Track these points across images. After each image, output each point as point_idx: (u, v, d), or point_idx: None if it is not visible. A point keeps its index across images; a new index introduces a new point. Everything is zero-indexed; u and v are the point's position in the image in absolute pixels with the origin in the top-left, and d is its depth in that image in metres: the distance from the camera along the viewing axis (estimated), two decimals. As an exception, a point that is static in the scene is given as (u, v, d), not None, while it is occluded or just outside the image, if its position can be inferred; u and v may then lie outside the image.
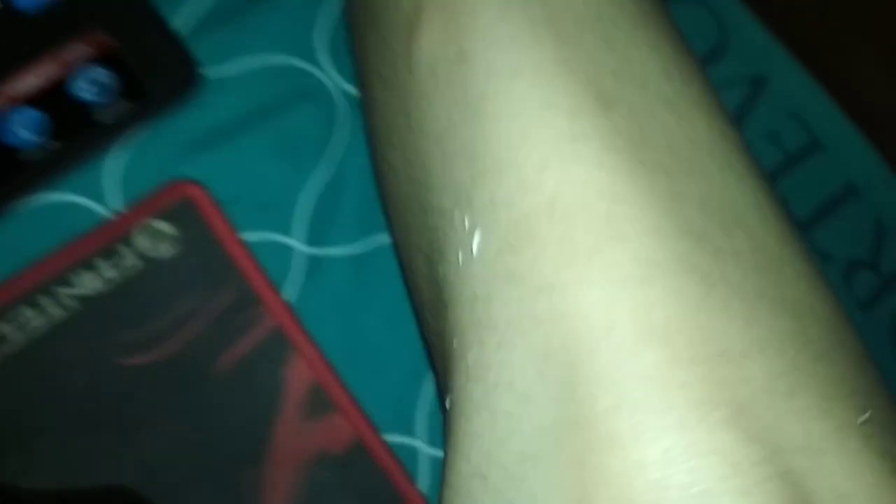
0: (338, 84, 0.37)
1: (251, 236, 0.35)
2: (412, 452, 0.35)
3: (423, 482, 0.35)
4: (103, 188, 0.34)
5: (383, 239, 0.35)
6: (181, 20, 0.36)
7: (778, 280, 0.21)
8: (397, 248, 0.29)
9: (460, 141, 0.22)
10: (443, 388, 0.23)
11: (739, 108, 0.40)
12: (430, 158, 0.23)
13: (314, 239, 0.35)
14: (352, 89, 0.37)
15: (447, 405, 0.22)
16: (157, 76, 0.34)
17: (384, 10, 0.26)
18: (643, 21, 0.23)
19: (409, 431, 0.35)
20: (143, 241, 0.33)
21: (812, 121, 0.41)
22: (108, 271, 0.33)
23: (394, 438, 0.35)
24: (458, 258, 0.22)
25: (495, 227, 0.21)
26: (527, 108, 0.21)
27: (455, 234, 0.22)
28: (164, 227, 0.34)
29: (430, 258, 0.24)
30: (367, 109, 0.29)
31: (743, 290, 0.20)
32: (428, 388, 0.36)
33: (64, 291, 0.32)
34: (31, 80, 0.33)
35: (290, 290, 0.34)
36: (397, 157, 0.26)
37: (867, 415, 0.19)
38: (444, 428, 0.22)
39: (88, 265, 0.33)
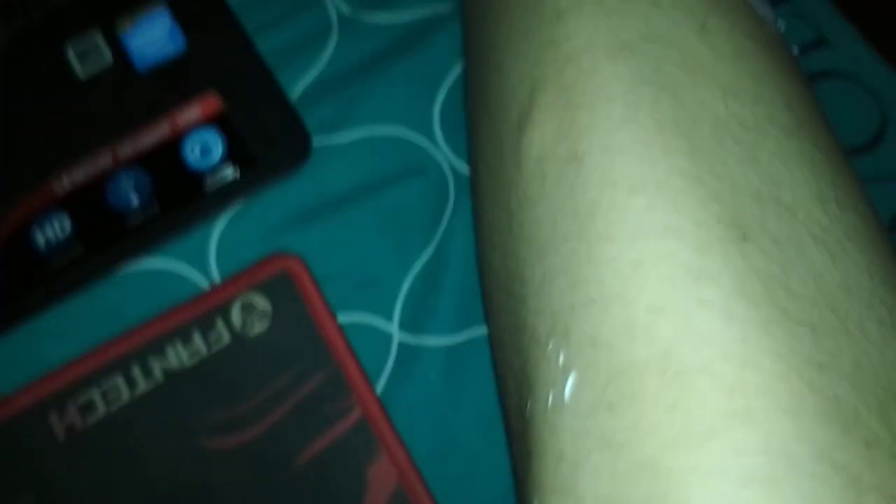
0: (451, 162, 0.35)
1: (348, 316, 0.33)
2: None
3: None
4: (204, 256, 0.33)
5: (482, 331, 0.33)
6: (296, 86, 0.35)
7: None
8: (492, 353, 0.26)
9: (564, 258, 0.19)
10: None
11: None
12: (530, 271, 0.20)
13: (411, 325, 0.33)
14: (464, 168, 0.35)
15: None
16: (267, 144, 0.33)
17: (498, 96, 0.23)
18: (797, 130, 0.20)
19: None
20: (236, 316, 0.32)
21: None
22: (200, 344, 0.32)
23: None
24: (547, 399, 0.19)
25: (594, 374, 0.18)
26: (645, 231, 0.18)
27: (548, 368, 0.19)
28: (259, 301, 0.32)
29: (520, 385, 0.20)
30: (473, 199, 0.27)
31: None
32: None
33: (156, 362, 0.32)
34: (141, 141, 0.33)
35: (382, 379, 0.32)
36: (497, 260, 0.23)
37: None
38: None
39: (184, 336, 0.32)
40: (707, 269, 0.17)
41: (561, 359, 0.18)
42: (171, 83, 0.33)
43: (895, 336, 0.18)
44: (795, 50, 0.37)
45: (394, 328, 0.33)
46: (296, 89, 0.35)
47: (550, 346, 0.19)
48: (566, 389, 0.18)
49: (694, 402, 0.16)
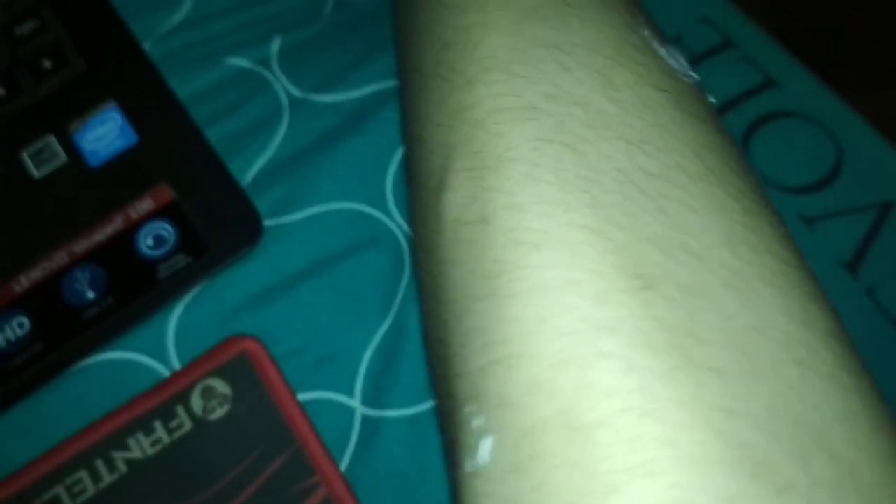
0: (406, 231, 0.35)
1: (309, 394, 0.33)
2: None
3: None
4: (162, 345, 0.33)
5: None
6: (250, 169, 0.36)
7: None
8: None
9: (478, 318, 0.19)
10: None
11: (863, 240, 0.35)
12: (451, 335, 0.20)
13: (373, 399, 0.33)
14: (419, 234, 0.35)
15: None
16: (218, 229, 0.34)
17: (420, 164, 0.23)
18: (707, 177, 0.19)
19: None
20: (197, 402, 0.32)
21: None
22: (162, 433, 0.32)
23: None
24: (465, 467, 0.18)
25: (504, 436, 0.17)
26: (546, 287, 0.18)
27: (466, 434, 0.18)
28: (219, 385, 0.32)
29: (451, 454, 0.20)
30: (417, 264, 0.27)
31: None
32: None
33: (119, 454, 0.31)
34: (96, 236, 0.33)
35: (346, 455, 0.32)
36: (429, 327, 0.23)
37: None
38: None
39: (145, 426, 0.32)
40: (607, 320, 0.17)
41: (475, 423, 0.18)
42: (124, 177, 0.34)
43: (817, 377, 0.17)
44: (712, 98, 0.37)
45: (356, 403, 0.33)
46: (250, 172, 0.36)
47: (467, 410, 0.19)
48: (481, 454, 0.18)
49: (594, 457, 0.16)
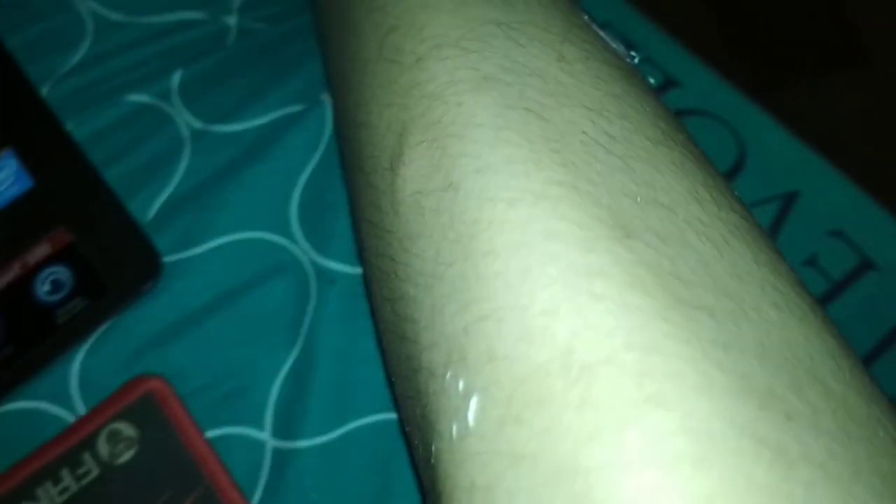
0: (311, 257, 0.35)
1: (218, 430, 0.32)
2: None
3: None
4: (66, 391, 0.33)
5: (356, 424, 0.32)
6: (151, 206, 0.35)
7: (871, 452, 0.16)
8: (399, 417, 0.25)
9: (451, 283, 0.19)
10: None
11: (769, 230, 0.35)
12: (419, 309, 0.20)
13: (283, 431, 0.32)
14: (325, 262, 0.34)
15: None
16: (116, 270, 0.33)
17: (369, 149, 0.23)
18: (667, 141, 0.20)
19: None
20: (103, 446, 0.31)
21: (859, 238, 0.35)
22: (69, 481, 0.31)
23: None
24: (451, 433, 0.18)
25: (496, 390, 0.17)
26: (528, 240, 0.18)
27: (449, 401, 0.18)
28: (125, 428, 0.32)
29: (424, 433, 0.19)
30: (362, 264, 0.27)
31: (832, 471, 0.15)
32: None
33: (26, 506, 0.31)
34: (-8, 285, 0.33)
35: (258, 490, 0.32)
36: (388, 313, 0.22)
37: None
38: None
39: (52, 475, 0.31)
40: (596, 265, 0.17)
41: (461, 386, 0.18)
42: (20, 224, 0.34)
43: (792, 318, 0.17)
44: (651, 81, 0.37)
45: (266, 436, 0.32)
46: (151, 209, 0.35)
47: (448, 376, 0.18)
48: (469, 416, 0.17)
49: (603, 394, 0.16)
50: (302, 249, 0.35)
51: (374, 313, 0.25)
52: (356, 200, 0.25)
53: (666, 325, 0.16)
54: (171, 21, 0.41)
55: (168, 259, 0.34)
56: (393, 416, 0.32)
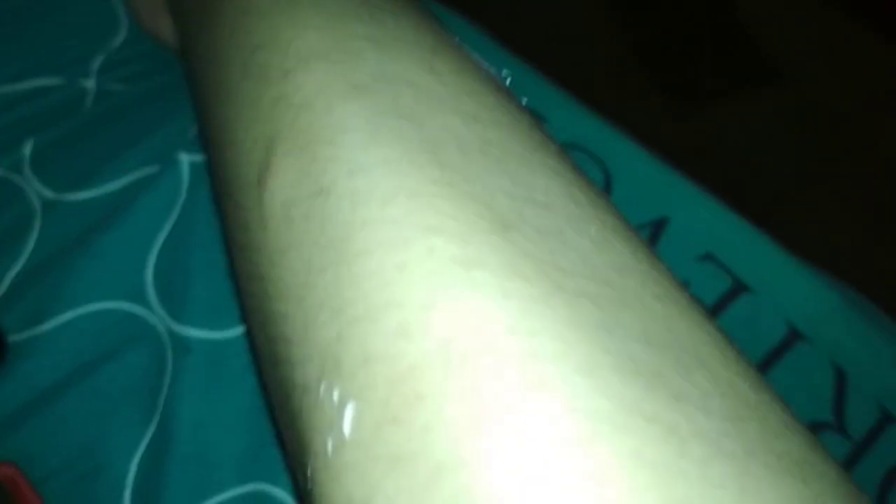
0: (168, 325, 0.33)
1: (74, 517, 0.30)
2: None
3: None
4: None
5: (218, 498, 0.31)
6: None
7: (764, 433, 0.15)
8: (283, 454, 0.23)
9: (323, 290, 0.18)
10: None
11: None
12: (291, 324, 0.19)
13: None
14: (182, 329, 0.33)
15: None
16: (-44, 354, 0.31)
17: (236, 168, 0.22)
18: (538, 147, 0.20)
19: None
20: (-54, 546, 0.29)
21: (731, 260, 0.34)
22: None
23: None
24: (326, 447, 0.16)
25: (372, 393, 0.16)
26: (404, 236, 0.17)
27: (323, 414, 0.17)
28: (-29, 523, 0.30)
29: (300, 457, 0.18)
30: (239, 295, 0.25)
31: (726, 448, 0.14)
32: None
33: None
34: None
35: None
36: (262, 341, 0.21)
37: None
38: None
39: None
40: (474, 257, 0.16)
41: (335, 396, 0.17)
42: None
43: (675, 309, 0.17)
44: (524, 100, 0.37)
45: (124, 516, 0.30)
46: (1, 287, 0.34)
47: (323, 388, 0.17)
48: (345, 426, 0.16)
49: (485, 382, 0.15)
50: (158, 317, 0.33)
51: (252, 350, 0.24)
52: (227, 229, 0.24)
53: (548, 310, 0.16)
54: (26, 89, 0.39)
55: (16, 338, 0.32)
56: (258, 486, 0.31)
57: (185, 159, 0.37)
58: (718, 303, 0.34)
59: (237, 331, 0.33)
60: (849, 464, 0.32)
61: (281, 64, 0.21)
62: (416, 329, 0.16)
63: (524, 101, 0.38)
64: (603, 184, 0.36)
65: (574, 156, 0.37)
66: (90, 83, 0.40)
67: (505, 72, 0.23)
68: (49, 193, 0.36)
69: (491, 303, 0.16)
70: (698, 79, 1.08)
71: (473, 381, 0.15)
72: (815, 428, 0.32)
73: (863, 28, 1.10)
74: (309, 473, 0.17)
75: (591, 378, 0.15)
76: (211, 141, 0.25)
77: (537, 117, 0.37)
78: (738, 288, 0.34)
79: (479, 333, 0.15)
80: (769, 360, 0.33)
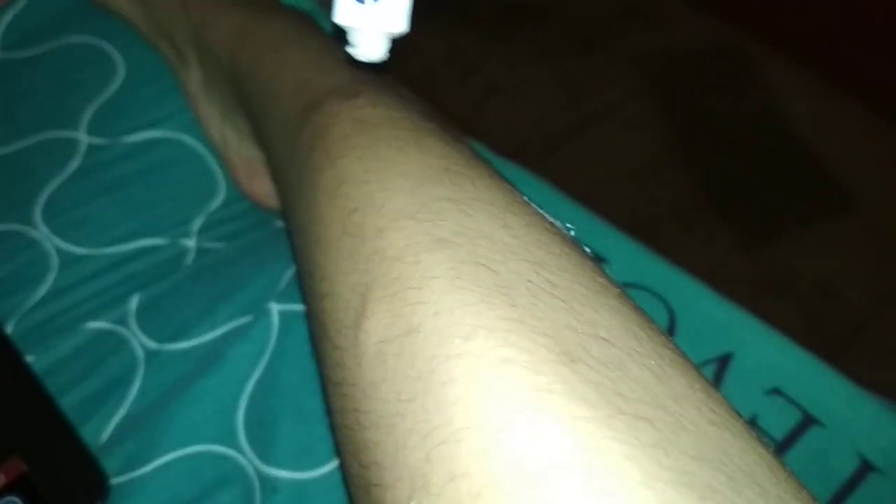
0: (256, 466, 0.35)
1: None
2: None
3: None
4: None
5: None
6: (106, 428, 0.36)
7: None
8: None
9: (413, 417, 0.20)
10: None
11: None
12: (383, 451, 0.21)
13: None
14: (269, 470, 0.35)
15: None
16: (65, 497, 0.34)
17: (333, 314, 0.25)
18: (600, 289, 0.22)
19: None
20: None
21: (799, 394, 0.35)
22: None
23: None
24: None
25: None
26: (483, 366, 0.19)
27: None
28: None
29: None
30: (333, 429, 0.28)
31: None
32: None
33: None
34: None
35: None
36: (355, 468, 0.23)
37: None
38: None
39: None
40: (544, 384, 0.19)
41: None
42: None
43: (728, 434, 0.19)
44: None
45: None
46: (105, 432, 0.37)
47: None
48: None
49: (553, 494, 0.17)
50: (248, 459, 0.35)
51: (344, 481, 0.26)
52: (323, 368, 0.27)
53: (609, 430, 0.18)
54: (133, 249, 0.44)
55: (117, 480, 0.35)
56: None
57: (276, 309, 0.40)
58: (788, 436, 0.34)
59: (321, 471, 0.35)
60: None
61: (375, 223, 0.24)
62: (494, 449, 0.18)
63: (587, 249, 0.40)
64: (667, 321, 0.37)
65: (637, 295, 0.38)
66: (191, 242, 0.44)
67: (569, 225, 0.26)
68: (152, 344, 0.39)
69: (559, 425, 0.18)
70: (769, 211, 1.08)
71: (544, 492, 0.17)
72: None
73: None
74: None
75: (649, 489, 0.16)
76: (310, 290, 0.28)
77: (600, 260, 0.40)
78: (808, 421, 0.35)
79: (548, 452, 0.17)
80: (843, 492, 0.33)
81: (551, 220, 0.25)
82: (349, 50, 0.28)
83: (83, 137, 0.46)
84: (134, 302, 0.41)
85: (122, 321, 0.40)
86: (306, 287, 0.29)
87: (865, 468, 0.34)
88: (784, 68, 1.19)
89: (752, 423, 0.34)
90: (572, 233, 0.25)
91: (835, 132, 1.14)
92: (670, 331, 0.37)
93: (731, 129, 1.16)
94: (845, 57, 1.15)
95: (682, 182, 1.10)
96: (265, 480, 0.35)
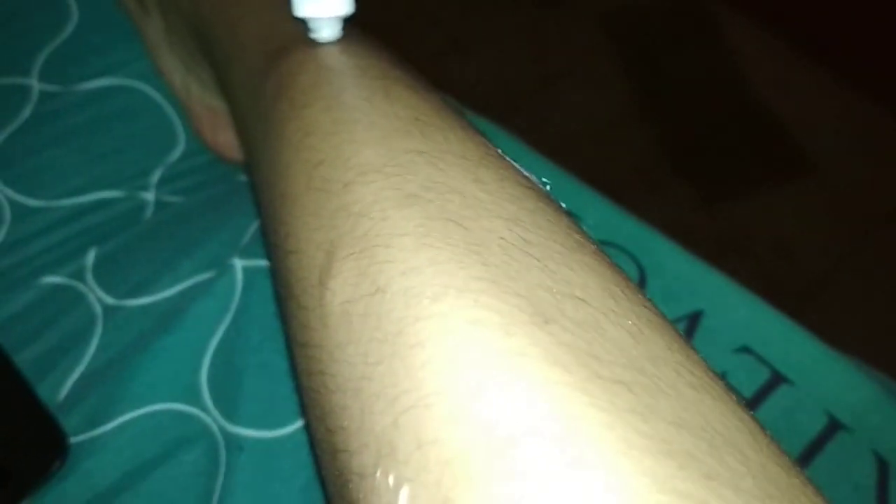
0: (221, 424, 0.34)
1: None
2: None
3: None
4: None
5: None
6: (63, 386, 0.35)
7: None
8: None
9: (379, 381, 0.19)
10: None
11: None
12: (349, 416, 0.20)
13: None
14: (235, 429, 0.34)
15: None
16: (22, 456, 0.33)
17: (299, 272, 0.24)
18: (576, 246, 0.21)
19: None
20: None
21: (768, 352, 0.35)
22: None
23: None
24: None
25: (425, 477, 0.17)
26: (453, 328, 0.18)
27: (379, 499, 0.18)
28: None
29: None
30: (299, 391, 0.26)
31: None
32: None
33: None
34: None
35: None
36: (321, 433, 0.22)
37: None
38: None
39: None
40: (517, 347, 0.18)
41: (391, 480, 0.18)
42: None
43: (709, 398, 0.18)
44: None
45: None
46: (63, 389, 0.35)
47: (378, 474, 0.18)
48: None
49: (528, 463, 0.16)
50: (212, 417, 0.35)
51: (311, 444, 0.25)
52: (288, 328, 0.26)
53: (585, 396, 0.17)
54: (89, 201, 0.42)
55: (77, 439, 0.34)
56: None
57: (239, 264, 0.39)
58: (757, 394, 0.35)
59: (287, 430, 0.35)
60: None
61: (341, 177, 0.23)
62: (464, 415, 0.17)
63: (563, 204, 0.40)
64: (637, 279, 0.37)
65: (609, 253, 0.38)
66: (149, 195, 0.43)
67: (545, 179, 0.25)
68: (110, 299, 0.38)
69: (532, 390, 0.17)
70: (727, 172, 1.09)
71: (517, 462, 0.16)
72: (861, 520, 0.32)
73: (894, 117, 1.11)
74: None
75: (626, 458, 0.16)
76: (275, 247, 0.27)
77: (574, 217, 0.39)
78: (777, 379, 0.35)
79: (521, 418, 0.17)
80: (811, 450, 0.34)
81: (526, 174, 0.25)
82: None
83: (35, 84, 0.44)
84: (91, 256, 0.40)
85: (78, 276, 0.39)
86: (271, 244, 0.28)
87: (834, 426, 0.34)
88: (746, 30, 1.19)
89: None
90: (548, 187, 0.25)
91: (794, 94, 1.15)
92: (641, 288, 0.37)
93: (693, 89, 1.16)
94: (807, 19, 1.15)
95: (642, 141, 1.11)
96: (231, 439, 0.34)
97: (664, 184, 1.07)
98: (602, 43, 1.18)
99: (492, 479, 0.16)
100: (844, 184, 1.07)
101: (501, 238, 0.20)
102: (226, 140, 0.43)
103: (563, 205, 0.38)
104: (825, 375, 0.35)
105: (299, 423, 0.35)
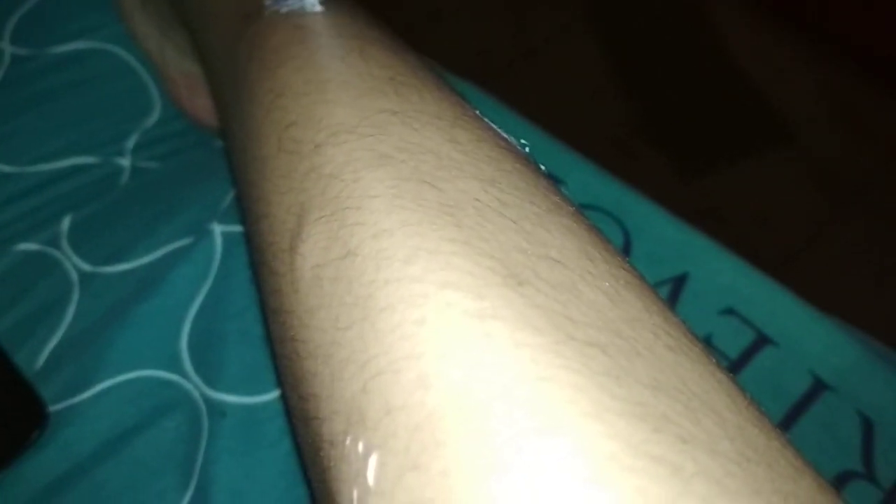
0: (203, 391, 0.34)
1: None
2: None
3: None
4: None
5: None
6: (40, 355, 0.35)
7: (772, 476, 0.16)
8: None
9: (349, 346, 0.19)
10: None
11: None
12: (320, 382, 0.19)
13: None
14: (216, 395, 0.34)
15: None
16: (2, 425, 0.32)
17: (269, 236, 0.23)
18: (553, 208, 0.21)
19: None
20: None
21: (753, 314, 0.35)
22: None
23: None
24: (352, 499, 0.17)
25: (394, 442, 0.17)
26: (424, 292, 0.18)
27: (349, 466, 0.18)
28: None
29: None
30: (274, 359, 0.26)
31: (730, 487, 0.15)
32: None
33: None
34: None
35: None
36: (294, 401, 0.22)
37: None
38: None
39: None
40: (488, 309, 0.17)
41: (360, 447, 0.17)
42: None
43: (686, 360, 0.18)
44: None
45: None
46: (41, 357, 0.35)
47: (349, 440, 0.18)
48: (369, 475, 0.17)
49: (498, 428, 0.16)
50: (193, 384, 0.34)
51: (286, 412, 0.25)
52: (261, 295, 0.25)
53: (557, 358, 0.16)
54: (63, 167, 0.41)
55: (56, 407, 0.33)
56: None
57: (218, 230, 0.38)
58: (742, 356, 0.35)
59: (271, 395, 0.34)
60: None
61: (312, 138, 0.23)
62: (434, 379, 0.17)
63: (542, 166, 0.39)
64: (622, 242, 0.37)
65: (592, 216, 0.38)
66: (125, 161, 0.42)
67: (524, 141, 0.24)
68: (86, 266, 0.37)
69: (502, 354, 0.17)
70: (707, 141, 1.09)
71: (487, 426, 0.16)
72: (845, 477, 0.32)
73: (872, 87, 1.12)
74: None
75: (598, 421, 0.15)
76: (248, 212, 0.26)
77: (556, 180, 0.39)
78: (761, 341, 0.35)
79: (491, 382, 0.16)
80: (796, 410, 0.34)
81: (504, 135, 0.24)
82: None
83: (6, 47, 0.43)
84: (66, 223, 0.39)
85: (53, 243, 0.38)
86: (244, 209, 0.27)
87: (818, 387, 0.34)
88: (725, 1, 1.18)
89: (707, 343, 0.34)
90: (526, 149, 0.24)
91: (773, 65, 1.15)
92: (626, 252, 0.36)
93: (672, 60, 1.16)
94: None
95: (620, 113, 1.10)
96: (212, 405, 0.33)
97: (643, 154, 1.06)
98: (581, 15, 1.17)
99: (462, 445, 0.16)
100: (823, 154, 1.08)
101: (476, 199, 0.20)
102: (202, 106, 0.42)
103: (546, 168, 0.38)
104: (810, 337, 0.35)
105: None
